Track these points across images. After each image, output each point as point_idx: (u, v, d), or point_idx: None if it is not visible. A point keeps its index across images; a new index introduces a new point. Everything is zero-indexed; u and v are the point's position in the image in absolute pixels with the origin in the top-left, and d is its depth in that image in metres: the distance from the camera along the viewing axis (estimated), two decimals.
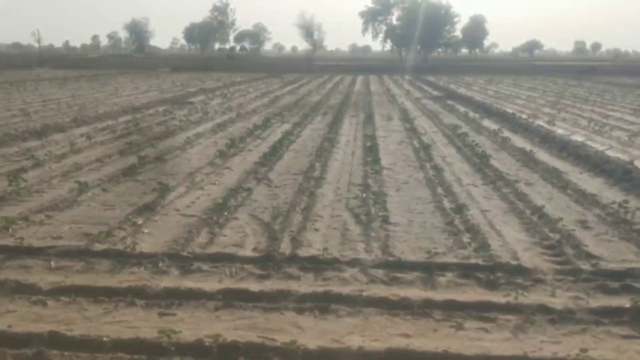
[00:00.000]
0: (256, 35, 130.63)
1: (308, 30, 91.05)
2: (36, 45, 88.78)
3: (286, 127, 16.35)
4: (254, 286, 5.23)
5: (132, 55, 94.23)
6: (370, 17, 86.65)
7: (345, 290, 5.13)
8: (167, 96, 25.40)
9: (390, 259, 5.87)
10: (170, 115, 18.32)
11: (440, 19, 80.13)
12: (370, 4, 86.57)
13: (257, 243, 6.44)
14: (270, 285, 5.27)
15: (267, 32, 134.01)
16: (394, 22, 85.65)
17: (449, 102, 24.31)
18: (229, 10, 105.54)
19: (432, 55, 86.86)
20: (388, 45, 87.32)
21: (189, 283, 5.31)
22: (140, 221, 7.17)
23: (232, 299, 4.97)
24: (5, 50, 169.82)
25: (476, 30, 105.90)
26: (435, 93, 29.98)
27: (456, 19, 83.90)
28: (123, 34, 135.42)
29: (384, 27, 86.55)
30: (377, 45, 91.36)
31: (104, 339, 4.17)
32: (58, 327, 4.44)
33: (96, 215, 7.49)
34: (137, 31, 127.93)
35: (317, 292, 5.06)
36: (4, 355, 4.08)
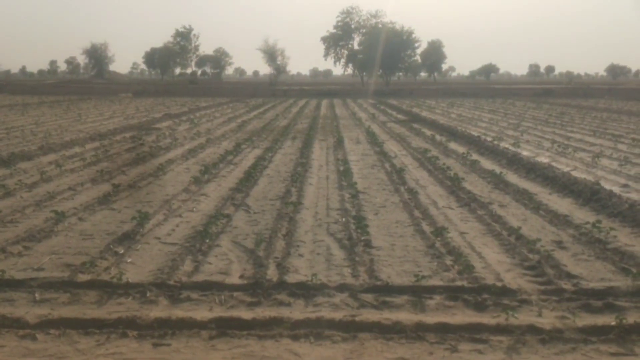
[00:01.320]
0: (217, 60, 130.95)
1: (272, 55, 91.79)
2: None
3: (257, 152, 16.40)
4: (245, 314, 5.23)
5: (92, 81, 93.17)
6: (332, 42, 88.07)
7: (338, 315, 5.17)
8: (132, 122, 25.16)
9: (378, 283, 5.95)
10: (138, 142, 18.15)
11: (402, 44, 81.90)
12: (332, 30, 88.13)
13: (243, 270, 6.44)
14: (262, 312, 5.28)
15: (229, 56, 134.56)
16: (355, 46, 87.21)
17: (414, 125, 24.78)
18: (192, 36, 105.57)
19: (393, 79, 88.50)
20: (350, 70, 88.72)
21: (180, 312, 5.27)
22: (121, 250, 7.09)
23: (225, 327, 4.96)
24: None
25: (434, 55, 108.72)
26: (400, 116, 30.51)
27: (417, 44, 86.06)
28: (82, 59, 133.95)
29: (346, 52, 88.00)
30: (339, 69, 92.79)
31: None
32: None
33: (75, 245, 7.36)
34: (97, 56, 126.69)
35: (310, 319, 5.10)
36: None
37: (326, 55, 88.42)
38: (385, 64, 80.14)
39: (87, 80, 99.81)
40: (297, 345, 4.67)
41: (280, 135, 20.59)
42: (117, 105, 40.01)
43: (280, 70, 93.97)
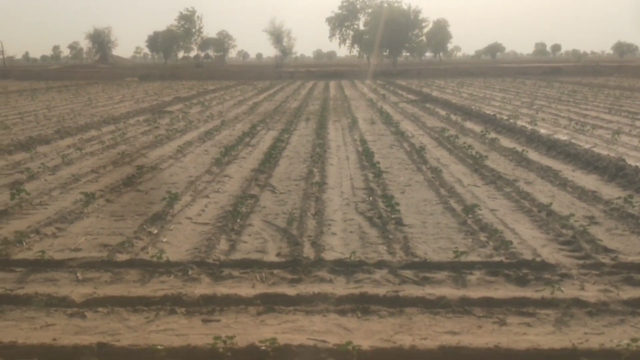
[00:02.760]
0: (221, 43, 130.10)
1: (278, 37, 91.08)
2: None
3: (273, 133, 16.39)
4: (289, 290, 5.26)
5: (95, 65, 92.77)
6: (337, 23, 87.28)
7: (381, 291, 5.21)
8: (144, 106, 25.12)
9: (415, 259, 5.97)
10: (153, 125, 18.13)
11: (409, 24, 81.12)
12: (337, 10, 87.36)
13: (279, 248, 6.47)
14: (305, 289, 5.31)
15: (232, 39, 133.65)
16: (361, 27, 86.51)
17: (427, 105, 24.67)
18: (196, 18, 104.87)
19: (398, 59, 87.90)
20: (355, 51, 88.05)
21: (224, 289, 5.32)
22: (155, 231, 7.13)
23: (270, 303, 5.00)
24: None
25: (439, 34, 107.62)
26: (411, 97, 30.36)
27: (424, 24, 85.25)
28: (85, 44, 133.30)
29: (351, 33, 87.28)
30: (344, 50, 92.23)
31: (158, 347, 4.15)
32: (104, 338, 4.41)
33: (108, 226, 7.41)
34: (100, 41, 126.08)
35: (354, 294, 5.13)
36: None
37: (331, 36, 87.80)
38: (392, 44, 79.51)
39: (91, 65, 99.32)
40: (345, 320, 4.71)
41: (293, 117, 20.54)
42: (125, 89, 39.96)
43: (286, 52, 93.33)
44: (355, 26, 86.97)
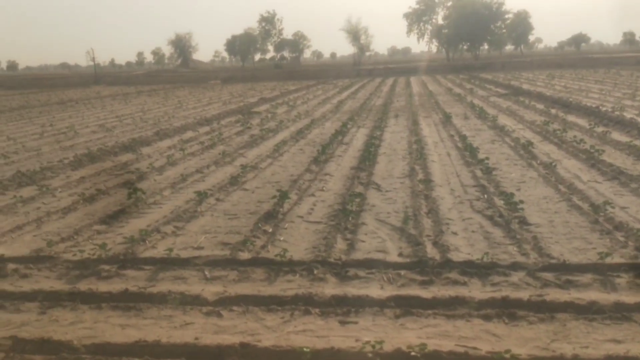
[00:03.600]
0: (296, 44, 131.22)
1: (355, 35, 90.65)
2: (85, 64, 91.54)
3: (364, 131, 16.19)
4: (423, 293, 5.04)
5: (177, 70, 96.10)
6: (415, 18, 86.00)
7: (523, 295, 4.88)
8: (232, 107, 25.61)
9: (553, 261, 5.59)
10: (245, 125, 18.38)
11: (491, 16, 78.58)
12: (414, 5, 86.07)
13: (399, 248, 6.26)
14: (439, 291, 5.07)
15: (307, 40, 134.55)
16: (440, 21, 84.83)
17: (520, 98, 23.68)
18: (276, 20, 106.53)
19: (477, 53, 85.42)
20: (434, 46, 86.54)
21: (353, 290, 5.17)
22: (269, 229, 7.10)
23: (406, 306, 4.80)
24: (54, 70, 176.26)
25: (520, 26, 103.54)
26: (500, 90, 29.28)
27: (508, 15, 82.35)
28: (167, 50, 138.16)
29: (429, 27, 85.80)
30: (421, 46, 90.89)
31: (304, 349, 4.04)
32: (244, 338, 4.35)
33: (224, 224, 7.46)
34: (181, 46, 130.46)
35: (495, 298, 4.84)
36: None
37: (409, 31, 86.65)
38: (473, 37, 77.35)
39: (173, 69, 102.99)
40: (491, 326, 4.43)
41: (381, 114, 20.24)
42: (210, 92, 41.02)
43: (364, 49, 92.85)
44: (433, 20, 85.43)
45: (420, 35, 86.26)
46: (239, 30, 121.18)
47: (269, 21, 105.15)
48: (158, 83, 58.39)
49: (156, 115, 23.08)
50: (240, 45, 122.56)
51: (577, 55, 73.90)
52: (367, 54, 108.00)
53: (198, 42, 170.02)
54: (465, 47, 79.43)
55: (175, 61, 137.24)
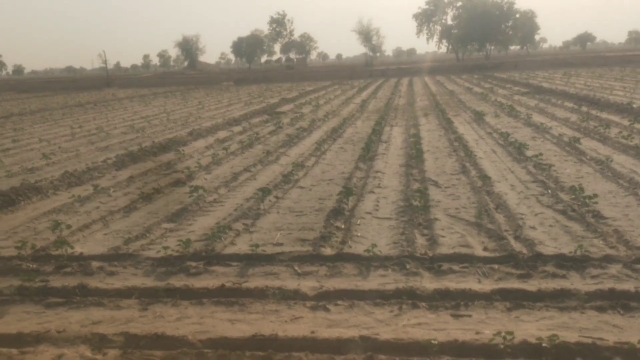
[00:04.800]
0: (302, 45, 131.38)
1: (367, 36, 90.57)
2: (90, 67, 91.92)
3: (399, 130, 16.17)
4: (525, 286, 5.02)
5: (185, 72, 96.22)
6: (425, 19, 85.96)
7: (629, 287, 4.87)
8: (256, 107, 25.62)
9: None
10: (277, 125, 18.36)
11: (502, 16, 78.45)
12: (424, 6, 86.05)
13: (482, 243, 6.25)
14: (540, 284, 5.05)
15: (313, 41, 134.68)
16: (449, 22, 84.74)
17: (542, 96, 23.64)
18: (287, 21, 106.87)
19: (482, 53, 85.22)
20: (443, 46, 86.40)
21: (452, 284, 5.15)
22: (342, 225, 7.09)
23: (513, 299, 4.78)
24: (59, 74, 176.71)
25: (527, 26, 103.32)
26: (521, 89, 29.20)
27: (517, 15, 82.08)
28: (174, 52, 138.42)
29: (439, 28, 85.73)
30: (426, 47, 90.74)
31: (432, 342, 4.03)
32: (360, 332, 4.33)
33: (293, 221, 7.45)
34: (188, 48, 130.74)
35: (602, 290, 4.83)
36: None
37: (419, 32, 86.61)
38: (483, 37, 77.23)
39: (180, 71, 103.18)
40: (608, 317, 4.41)
41: (408, 113, 20.23)
42: (226, 93, 41.05)
43: (376, 50, 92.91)
44: (443, 21, 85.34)
45: (430, 36, 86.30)
46: (244, 32, 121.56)
47: (279, 23, 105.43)
48: (170, 85, 58.46)
49: (181, 116, 23.12)
50: (247, 47, 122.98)
51: (589, 54, 73.62)
52: (370, 54, 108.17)
53: (205, 44, 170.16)
54: (476, 47, 79.16)
55: (182, 63, 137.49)
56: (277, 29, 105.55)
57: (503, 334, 3.96)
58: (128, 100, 36.56)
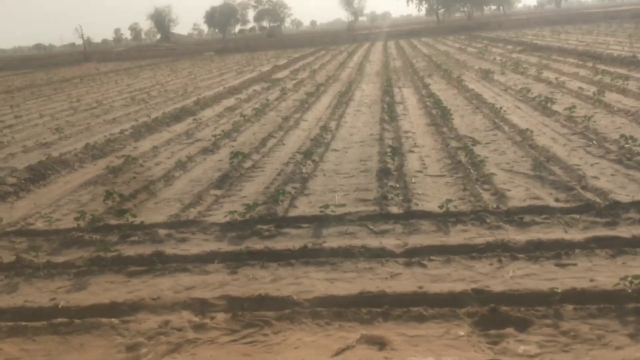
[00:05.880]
0: (276, 13, 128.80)
1: (348, 0, 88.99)
2: (59, 44, 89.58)
3: (409, 91, 15.98)
4: (618, 233, 5.00)
5: (159, 45, 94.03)
6: None
7: None
8: (251, 76, 25.17)
9: None
10: (282, 93, 18.00)
11: None
12: None
13: (550, 194, 6.20)
14: (630, 231, 5.02)
15: (287, 8, 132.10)
16: None
17: (541, 53, 23.58)
18: None
19: (456, 15, 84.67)
20: (423, 8, 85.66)
21: (541, 235, 5.09)
22: (396, 184, 6.95)
23: (609, 246, 4.74)
24: (28, 52, 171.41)
25: None
26: (511, 47, 29.08)
27: None
28: (146, 25, 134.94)
29: None
30: (404, 10, 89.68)
31: (555, 290, 3.96)
32: (468, 286, 4.26)
33: (345, 183, 7.31)
34: (161, 20, 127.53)
35: None
36: None
37: None
38: None
39: (154, 44, 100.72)
40: None
41: (411, 75, 20.00)
42: (213, 63, 40.29)
43: (357, 14, 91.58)
44: None
45: None
46: (217, 2, 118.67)
47: None
48: (150, 58, 57.19)
49: (177, 87, 22.62)
50: (221, 16, 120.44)
51: (574, 11, 73.44)
52: (346, 20, 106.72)
53: (178, 15, 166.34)
54: (465, 9, 78.45)
55: (154, 36, 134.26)
56: None
57: (630, 278, 3.89)
58: (114, 74, 35.68)
